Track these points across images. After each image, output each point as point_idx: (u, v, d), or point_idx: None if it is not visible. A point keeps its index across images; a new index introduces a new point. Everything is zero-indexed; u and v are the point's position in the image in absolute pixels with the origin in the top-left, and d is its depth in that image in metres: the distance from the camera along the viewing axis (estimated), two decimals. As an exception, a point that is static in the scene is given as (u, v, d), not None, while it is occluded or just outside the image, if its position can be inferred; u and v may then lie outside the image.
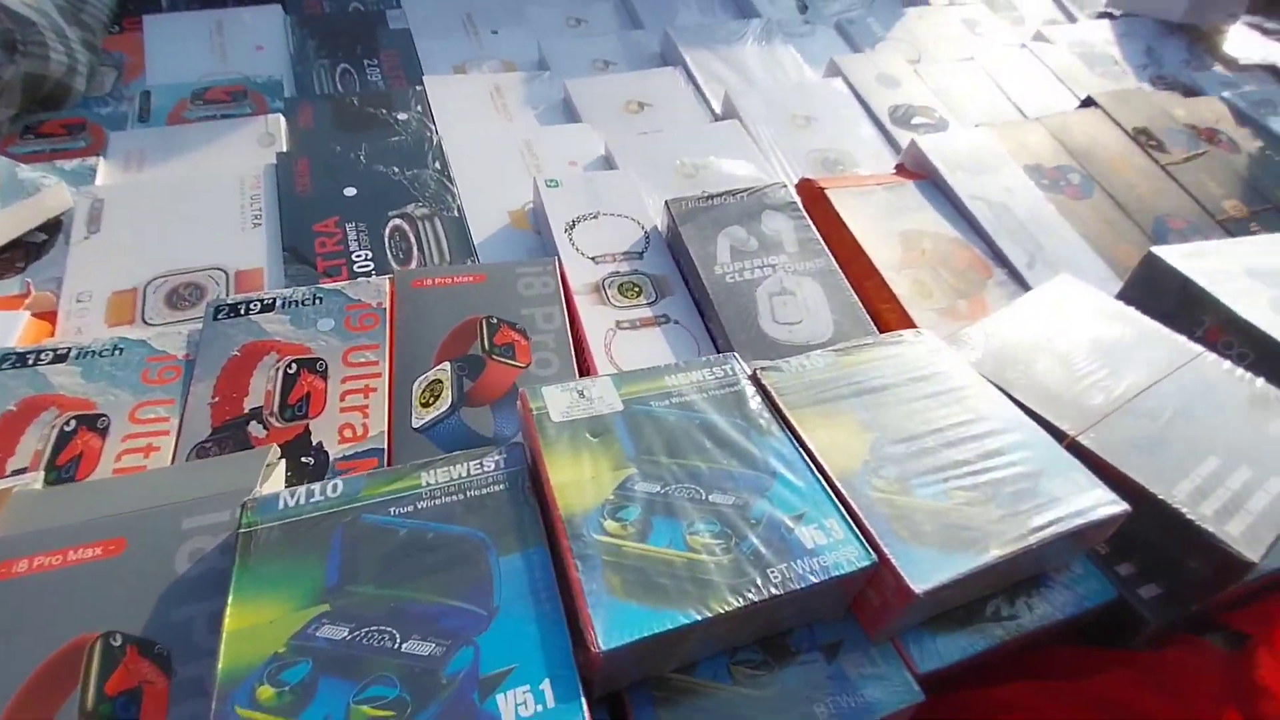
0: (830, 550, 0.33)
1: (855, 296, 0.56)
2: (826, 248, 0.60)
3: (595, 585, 0.29)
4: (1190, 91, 1.00)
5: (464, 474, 0.35)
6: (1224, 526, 0.35)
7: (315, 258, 0.57)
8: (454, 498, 0.33)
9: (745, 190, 0.63)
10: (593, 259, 0.58)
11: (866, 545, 0.33)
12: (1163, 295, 0.57)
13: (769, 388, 0.40)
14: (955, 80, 0.90)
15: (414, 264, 0.58)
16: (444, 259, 0.59)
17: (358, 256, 0.58)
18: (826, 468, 0.36)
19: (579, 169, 0.72)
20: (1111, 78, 0.99)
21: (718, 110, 0.84)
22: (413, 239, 0.60)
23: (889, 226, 0.64)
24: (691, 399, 0.39)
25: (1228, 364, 0.47)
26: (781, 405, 0.39)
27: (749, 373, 0.42)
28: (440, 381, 0.45)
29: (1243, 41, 1.09)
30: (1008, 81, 0.91)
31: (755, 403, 0.40)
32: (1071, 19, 1.17)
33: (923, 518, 0.34)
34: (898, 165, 0.73)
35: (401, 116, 0.77)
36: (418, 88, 0.81)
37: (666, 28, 0.92)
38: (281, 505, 0.33)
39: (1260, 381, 0.45)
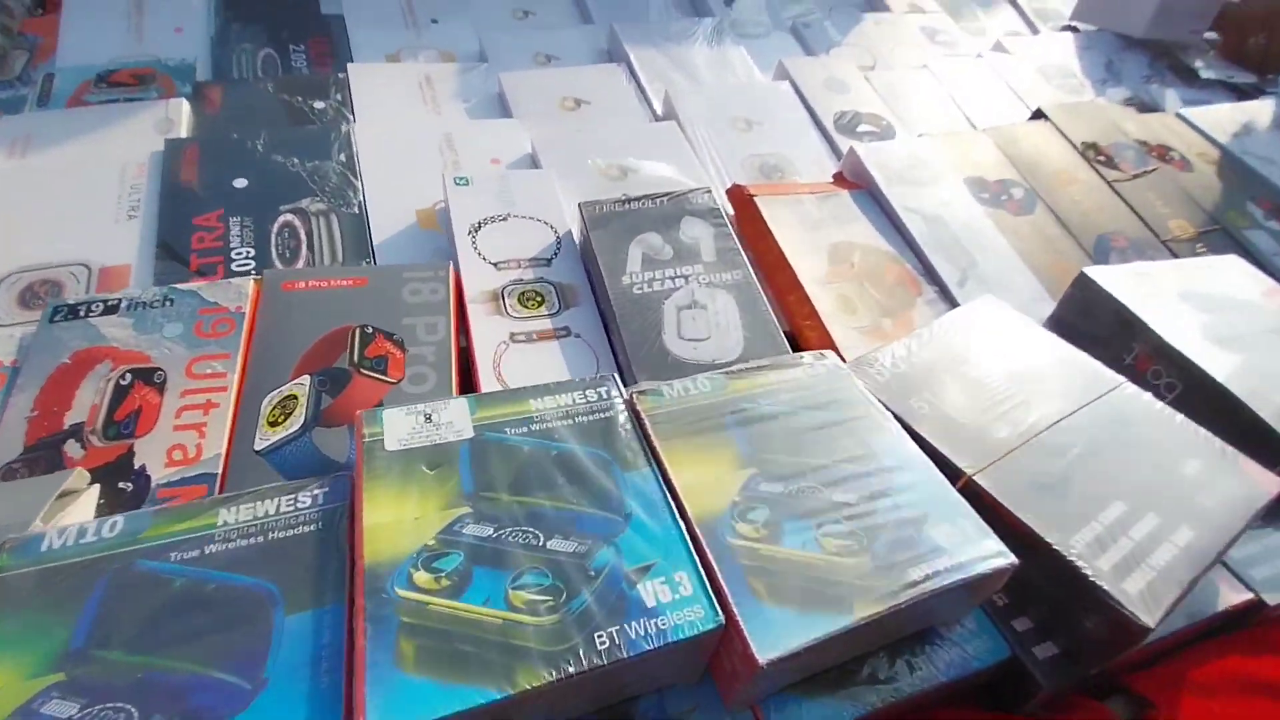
0: (673, 610, 0.28)
1: (771, 312, 0.52)
2: (747, 258, 0.55)
3: (381, 655, 0.25)
4: (1148, 107, 0.98)
5: (270, 511, 0.30)
6: (1121, 584, 0.31)
7: (190, 254, 0.52)
8: (251, 540, 0.29)
9: (667, 195, 0.59)
10: (495, 265, 0.53)
11: (715, 604, 0.29)
12: (1094, 318, 0.54)
13: (642, 414, 0.36)
14: (906, 88, 0.86)
15: (301, 263, 0.53)
16: (336, 259, 0.55)
17: (237, 254, 0.53)
18: (688, 509, 0.32)
19: (500, 167, 0.67)
20: (1068, 91, 0.96)
21: (659, 110, 0.80)
22: (303, 236, 0.55)
23: (818, 238, 0.61)
24: (553, 426, 0.35)
25: (1148, 396, 0.43)
26: (652, 435, 0.35)
27: (626, 396, 0.38)
28: (295, 398, 0.40)
29: (1205, 58, 1.07)
30: (961, 91, 0.87)
31: (625, 432, 0.35)
32: (1034, 31, 1.14)
33: (787, 570, 0.30)
34: (836, 174, 0.69)
35: (318, 105, 0.72)
36: (340, 75, 0.75)
37: (613, 23, 0.88)
38: (45, 546, 0.28)
39: (1180, 418, 0.42)
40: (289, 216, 0.56)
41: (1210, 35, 1.10)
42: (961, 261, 0.61)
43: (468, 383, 0.47)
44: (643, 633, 0.27)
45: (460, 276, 0.51)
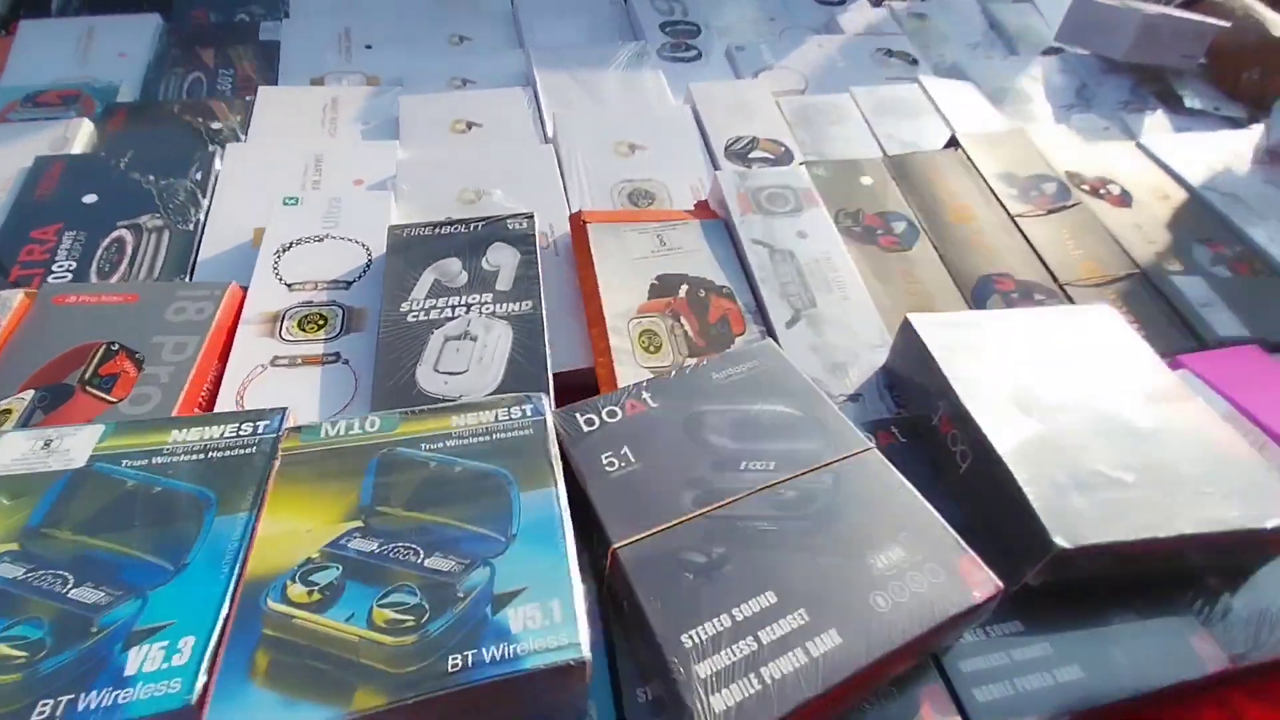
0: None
1: (547, 348, 0.48)
2: (541, 288, 0.52)
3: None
4: (1124, 134, 0.88)
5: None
6: (709, 698, 0.26)
7: (13, 266, 0.54)
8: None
9: (483, 220, 0.56)
10: (289, 285, 0.53)
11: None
12: (915, 370, 0.47)
13: (280, 454, 0.34)
14: (821, 115, 0.80)
15: (116, 278, 0.54)
16: (153, 274, 0.55)
17: (58, 267, 0.54)
18: (249, 565, 0.29)
19: (360, 188, 0.67)
20: (1022, 117, 0.87)
21: (550, 134, 0.78)
22: (129, 251, 0.57)
23: (647, 268, 0.57)
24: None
25: (886, 469, 0.37)
26: (272, 477, 0.33)
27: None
28: (10, 412, 0.40)
29: (1195, 87, 0.95)
30: (886, 117, 0.81)
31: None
32: (1013, 53, 1.05)
33: (311, 646, 0.27)
34: (699, 202, 0.65)
35: (215, 126, 0.74)
36: (249, 98, 0.78)
37: (529, 47, 0.87)
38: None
39: (915, 501, 0.35)
40: (122, 232, 0.58)
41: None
42: (799, 300, 0.55)
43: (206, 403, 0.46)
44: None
45: (245, 296, 0.51)
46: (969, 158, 0.69)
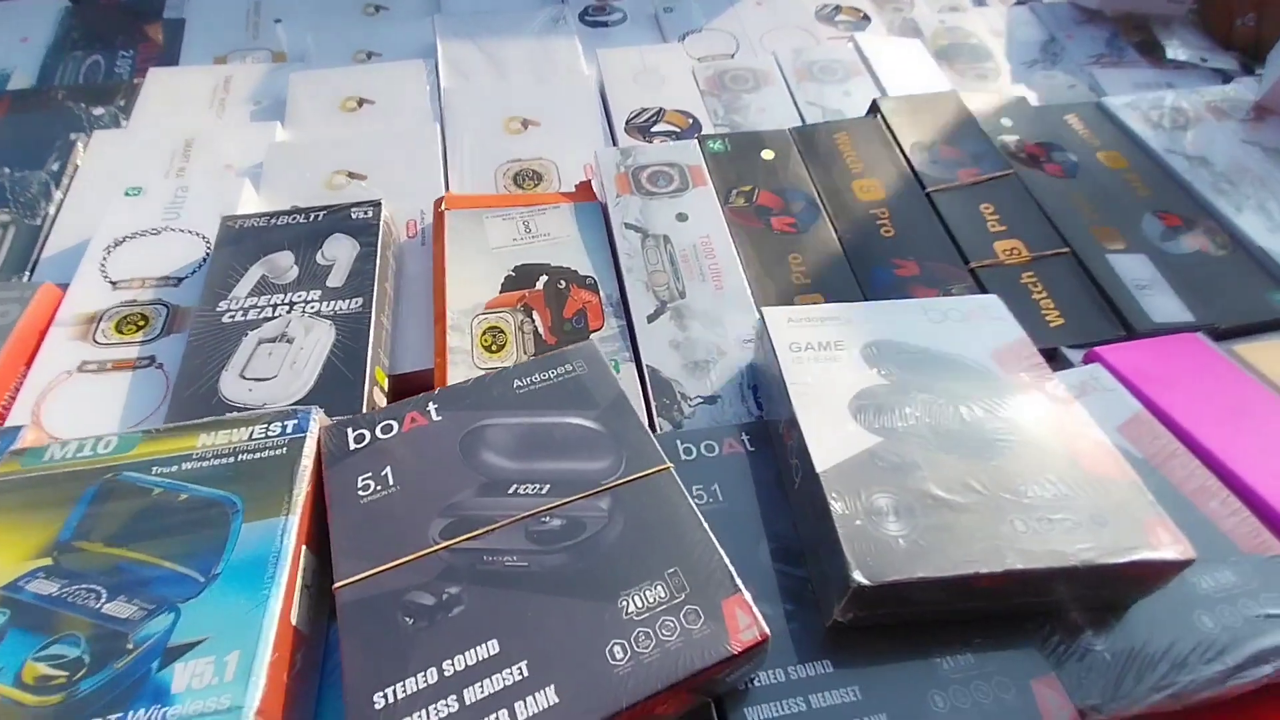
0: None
1: (372, 351, 0.44)
2: (375, 284, 0.47)
3: None
4: (1093, 93, 0.79)
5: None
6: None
7: None
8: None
9: (325, 209, 0.52)
10: (114, 283, 0.50)
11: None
12: (770, 369, 0.42)
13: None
14: (739, 81, 0.73)
15: (-51, 278, 0.53)
16: (-10, 273, 0.53)
17: (-109, 267, 0.53)
18: None
19: (230, 173, 0.64)
20: (974, 77, 0.79)
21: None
22: (-31, 249, 0.55)
23: (505, 258, 0.52)
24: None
25: (678, 492, 0.32)
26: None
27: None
28: None
29: (1182, 36, 0.85)
30: (812, 83, 0.73)
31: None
32: (981, 3, 0.96)
33: None
34: (581, 183, 0.60)
35: (97, 111, 0.71)
36: (136, 80, 0.75)
37: (434, 15, 0.82)
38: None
39: (691, 523, 0.30)
40: (-35, 228, 0.56)
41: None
42: (667, 292, 0.50)
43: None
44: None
45: (63, 296, 0.48)
46: (887, 125, 0.62)
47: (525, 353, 0.47)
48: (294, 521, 0.30)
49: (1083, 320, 0.51)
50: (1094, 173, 0.62)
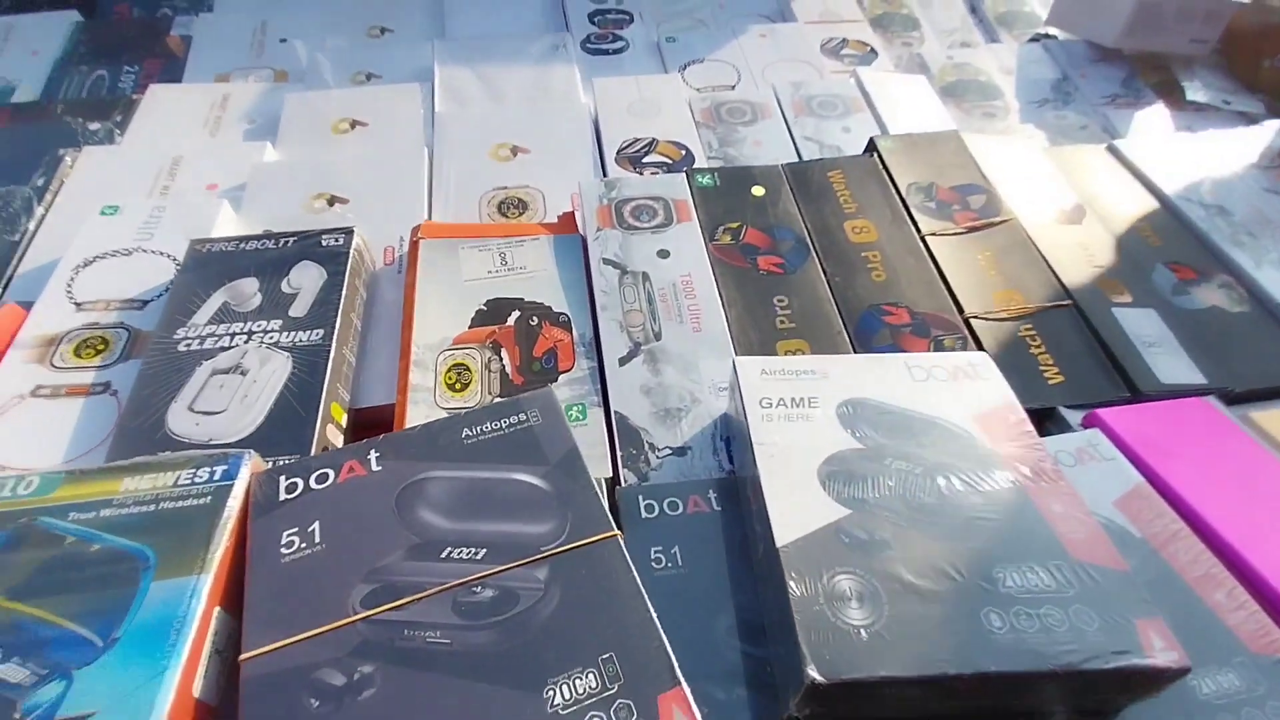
0: None
1: (328, 384, 0.42)
2: (339, 315, 0.45)
3: None
4: (1106, 134, 0.77)
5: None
6: None
7: None
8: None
9: (295, 235, 0.51)
10: (78, 304, 0.49)
11: None
12: (741, 423, 0.40)
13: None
14: (736, 113, 0.72)
15: (-81, 293, 0.52)
16: (-39, 289, 0.53)
17: None
18: None
19: (212, 194, 0.63)
20: (980, 116, 0.77)
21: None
22: (-56, 264, 0.54)
23: (478, 291, 0.50)
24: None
25: (622, 563, 0.29)
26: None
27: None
28: None
29: (1203, 77, 0.82)
30: (810, 117, 0.71)
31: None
32: (992, 40, 0.94)
33: None
34: (565, 213, 0.58)
35: (93, 126, 0.71)
36: (135, 96, 0.75)
37: (434, 40, 0.82)
38: None
39: (633, 601, 0.27)
40: (-58, 242, 0.55)
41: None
42: (642, 333, 0.48)
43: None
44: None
45: (25, 317, 0.47)
46: (884, 164, 0.60)
47: (490, 393, 0.45)
48: (206, 581, 0.28)
49: (1084, 379, 0.48)
50: (1101, 219, 0.59)
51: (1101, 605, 0.29)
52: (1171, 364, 0.50)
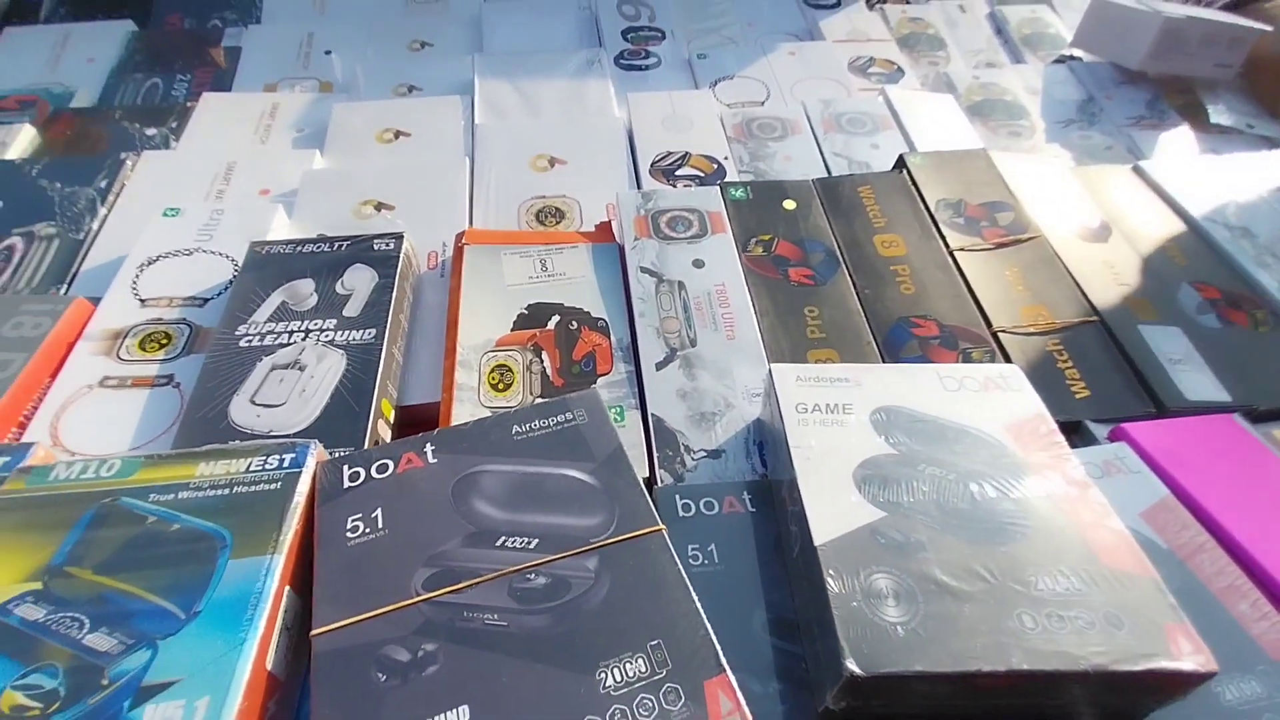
0: None
1: (381, 381, 0.44)
2: (390, 315, 0.47)
3: None
4: (1131, 155, 0.77)
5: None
6: None
7: (-101, 271, 0.55)
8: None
9: (349, 239, 0.53)
10: (143, 301, 0.51)
11: None
12: (776, 427, 0.41)
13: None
14: (767, 129, 0.73)
15: (-4, 286, 0.55)
16: (32, 284, 0.55)
17: (-57, 273, 0.55)
18: None
19: (266, 199, 0.66)
20: (1006, 134, 0.78)
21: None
22: (16, 259, 0.56)
23: (519, 295, 0.52)
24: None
25: (668, 556, 0.30)
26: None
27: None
28: None
29: (1228, 100, 0.83)
30: (839, 134, 0.73)
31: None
32: (1017, 60, 0.95)
33: None
34: (602, 223, 0.60)
35: (150, 132, 0.75)
36: (190, 104, 0.79)
37: (474, 53, 0.84)
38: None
39: (680, 592, 0.28)
40: (15, 239, 0.58)
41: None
42: (678, 339, 0.49)
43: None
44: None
45: (94, 311, 0.50)
46: (913, 180, 0.61)
47: (531, 394, 0.47)
48: (279, 561, 0.29)
49: (1110, 394, 0.49)
50: (1127, 238, 0.60)
51: (1131, 610, 0.29)
52: (1197, 381, 0.50)
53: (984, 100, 0.82)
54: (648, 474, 0.43)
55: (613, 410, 0.46)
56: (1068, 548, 0.32)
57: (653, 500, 0.39)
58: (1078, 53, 0.94)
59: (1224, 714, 0.30)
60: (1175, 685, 0.28)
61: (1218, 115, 0.80)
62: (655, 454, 0.44)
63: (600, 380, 0.48)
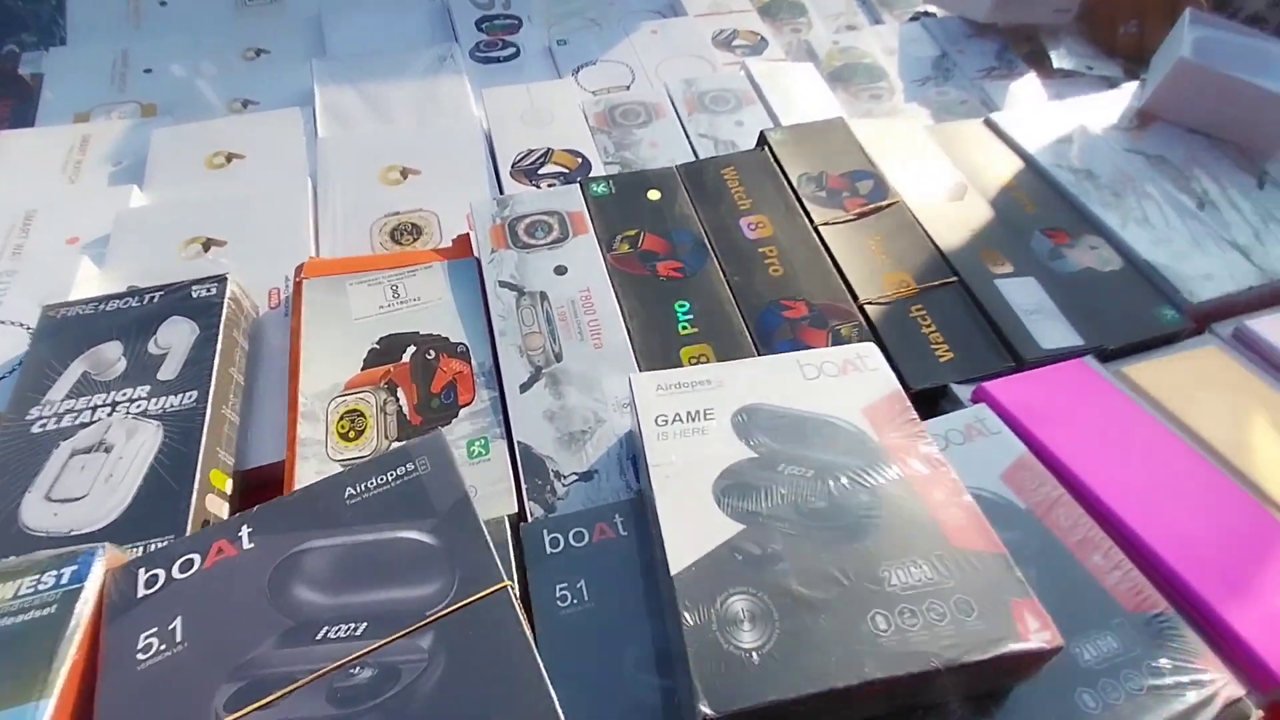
0: None
1: (204, 450, 0.38)
2: (221, 371, 0.42)
3: None
4: (984, 107, 0.78)
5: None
6: None
7: None
8: None
9: (163, 289, 0.47)
10: (-87, 392, 0.44)
11: None
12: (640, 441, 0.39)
13: None
14: (630, 115, 0.70)
15: None
16: None
17: None
18: None
19: (73, 249, 0.57)
20: (869, 98, 0.77)
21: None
22: None
23: (369, 329, 0.47)
24: None
25: (513, 618, 0.27)
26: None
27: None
28: None
29: (1067, 45, 0.85)
30: (704, 114, 0.69)
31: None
32: (876, 21, 0.95)
33: None
34: (460, 236, 0.56)
35: (-69, 183, 0.64)
36: (-19, 147, 0.68)
37: (312, 59, 0.76)
38: None
39: (522, 658, 0.26)
40: None
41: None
42: (542, 357, 0.46)
43: None
44: None
45: None
46: (774, 157, 0.60)
47: (387, 438, 0.42)
48: (46, 707, 0.25)
49: (971, 353, 0.49)
50: (982, 193, 0.60)
51: (979, 593, 0.29)
52: (1051, 329, 0.51)
53: (844, 65, 0.81)
54: (516, 509, 0.40)
55: (476, 443, 0.42)
56: (919, 534, 0.31)
57: (518, 540, 0.36)
58: (931, 8, 0.95)
59: (1082, 676, 0.30)
60: (1026, 664, 0.28)
61: (1060, 60, 0.82)
62: (524, 485, 0.41)
63: (463, 411, 0.44)
